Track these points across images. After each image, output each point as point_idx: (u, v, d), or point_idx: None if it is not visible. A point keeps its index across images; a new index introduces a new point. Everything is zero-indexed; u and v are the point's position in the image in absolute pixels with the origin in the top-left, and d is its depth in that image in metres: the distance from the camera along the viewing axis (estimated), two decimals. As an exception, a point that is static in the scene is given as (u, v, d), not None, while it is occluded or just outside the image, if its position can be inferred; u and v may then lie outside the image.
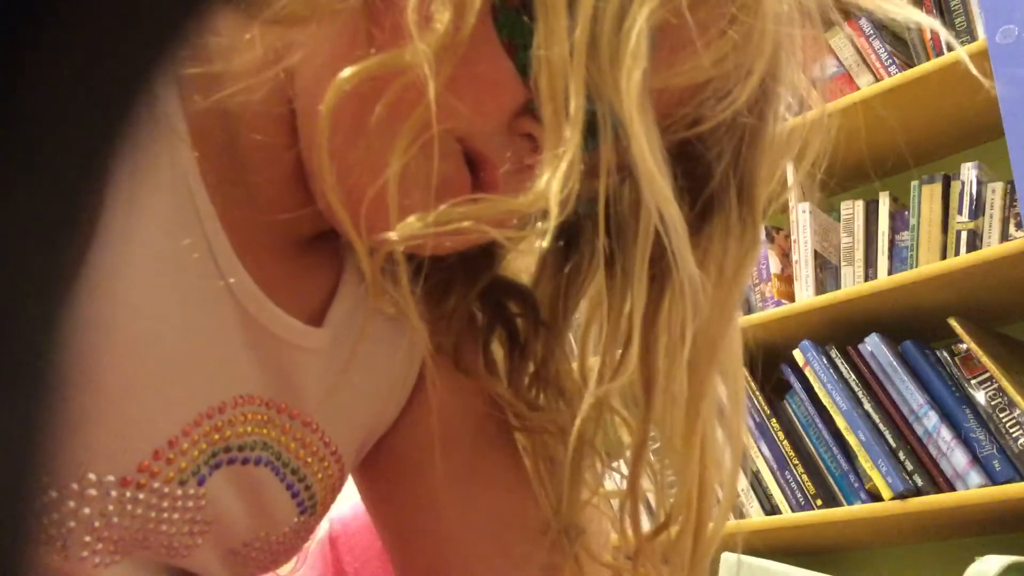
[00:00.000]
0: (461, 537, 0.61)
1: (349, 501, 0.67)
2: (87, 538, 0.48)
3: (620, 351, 0.57)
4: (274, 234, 0.54)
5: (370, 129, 0.47)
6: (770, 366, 2.09)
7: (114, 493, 0.47)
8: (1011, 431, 1.82)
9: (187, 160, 0.49)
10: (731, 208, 0.55)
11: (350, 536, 0.70)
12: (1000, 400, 1.84)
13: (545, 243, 0.50)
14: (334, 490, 0.59)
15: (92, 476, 0.47)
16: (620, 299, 0.57)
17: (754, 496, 2.10)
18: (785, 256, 2.19)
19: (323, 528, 0.63)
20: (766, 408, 2.10)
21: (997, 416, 1.84)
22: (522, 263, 0.63)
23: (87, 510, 0.47)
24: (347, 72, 0.45)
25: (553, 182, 0.45)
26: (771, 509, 2.06)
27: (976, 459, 1.82)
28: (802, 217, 2.13)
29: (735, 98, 0.51)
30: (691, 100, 0.51)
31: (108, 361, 0.46)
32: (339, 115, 0.46)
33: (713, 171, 0.55)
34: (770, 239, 2.23)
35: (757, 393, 2.12)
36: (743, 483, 2.12)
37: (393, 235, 0.46)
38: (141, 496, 0.48)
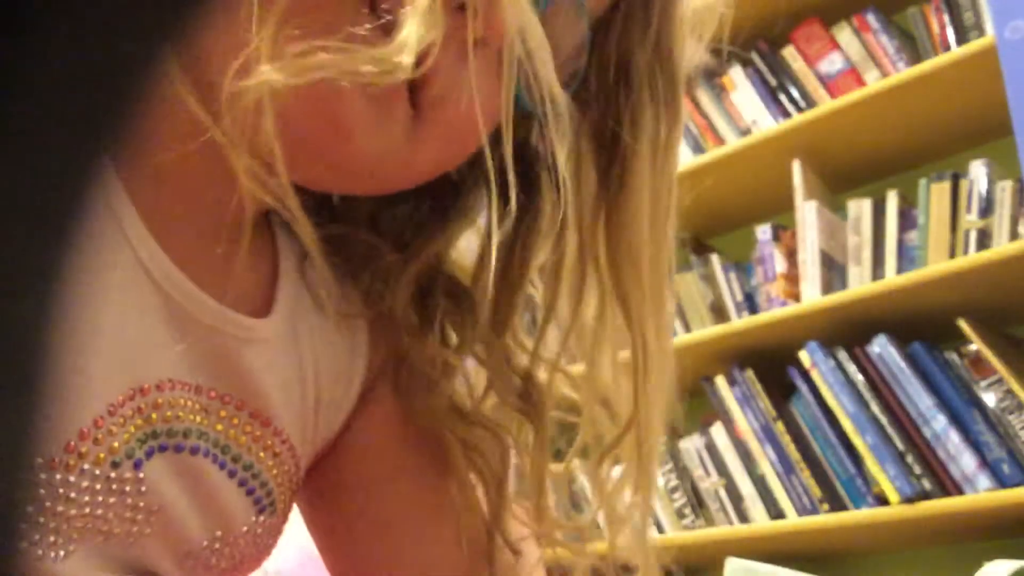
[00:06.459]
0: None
1: (292, 548, 0.65)
2: (22, 525, 0.45)
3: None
4: (199, 218, 0.50)
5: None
6: (776, 368, 2.07)
7: (43, 476, 0.45)
8: (1020, 434, 1.79)
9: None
10: (655, 78, 0.55)
11: None
12: (1010, 402, 1.81)
13: (407, 71, 0.43)
14: (292, 488, 0.57)
15: None
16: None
17: (759, 500, 2.07)
18: (791, 255, 2.16)
19: None
20: (772, 410, 2.08)
21: (1007, 419, 1.81)
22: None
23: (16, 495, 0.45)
24: None
25: (413, 29, 0.41)
26: (776, 513, 2.04)
27: (985, 462, 1.80)
28: (808, 216, 2.10)
29: None
30: None
31: None
32: None
33: (630, 43, 0.55)
34: (776, 238, 2.20)
35: (763, 395, 2.09)
36: (748, 487, 2.09)
37: (248, 83, 0.41)
38: (72, 479, 0.46)
